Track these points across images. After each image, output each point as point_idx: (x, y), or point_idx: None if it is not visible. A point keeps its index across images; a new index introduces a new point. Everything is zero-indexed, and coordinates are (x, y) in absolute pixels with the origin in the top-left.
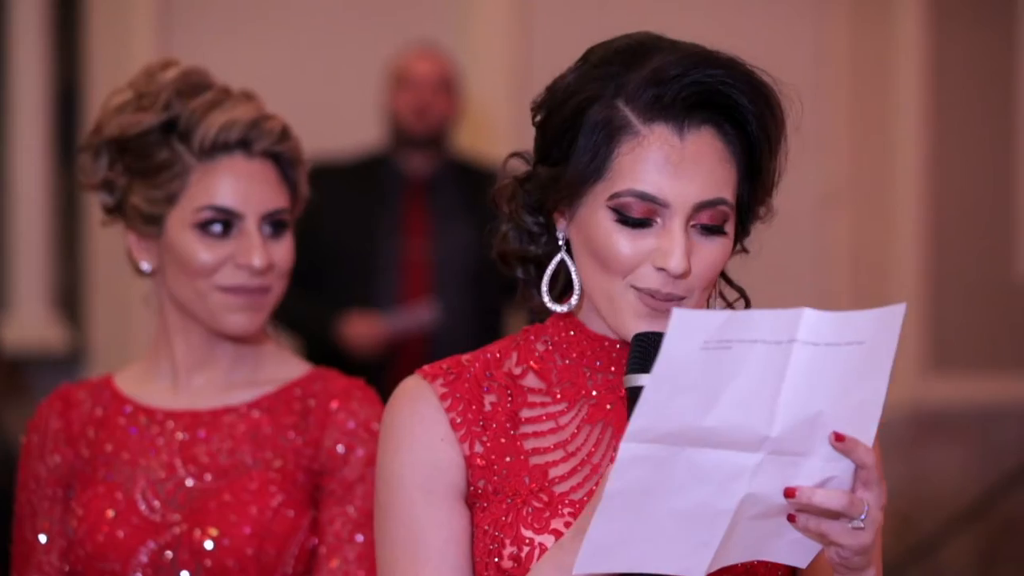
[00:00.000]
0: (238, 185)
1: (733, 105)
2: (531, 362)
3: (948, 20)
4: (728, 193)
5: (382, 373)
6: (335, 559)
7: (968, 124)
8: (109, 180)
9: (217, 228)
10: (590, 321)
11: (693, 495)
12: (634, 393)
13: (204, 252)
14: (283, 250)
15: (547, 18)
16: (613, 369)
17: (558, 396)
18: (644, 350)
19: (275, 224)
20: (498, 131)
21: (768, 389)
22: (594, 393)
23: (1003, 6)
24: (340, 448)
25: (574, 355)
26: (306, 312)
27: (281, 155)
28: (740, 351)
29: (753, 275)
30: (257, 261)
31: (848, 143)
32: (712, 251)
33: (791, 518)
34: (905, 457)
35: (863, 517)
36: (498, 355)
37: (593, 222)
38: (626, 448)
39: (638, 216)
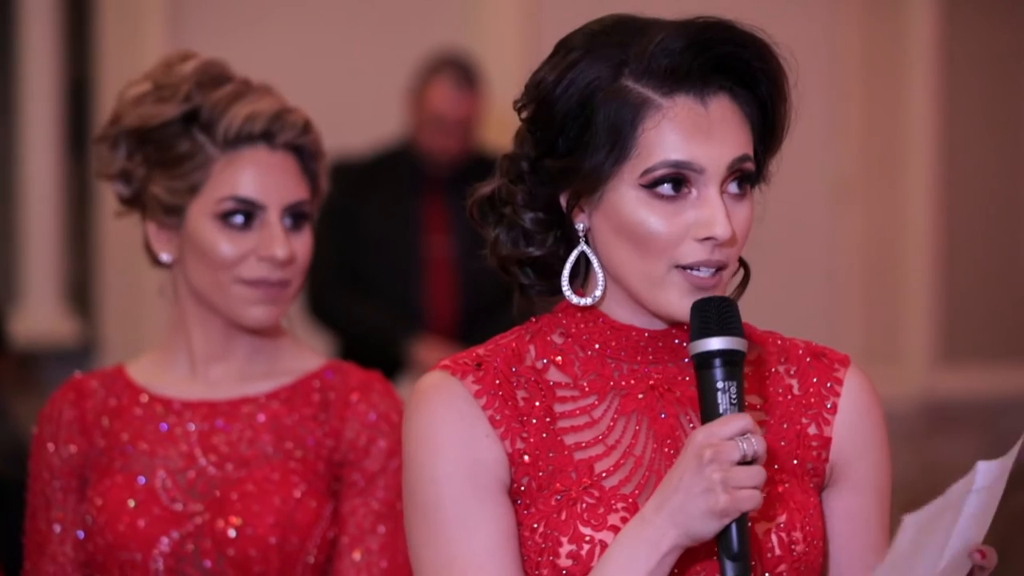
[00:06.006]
0: (261, 176)
1: (744, 69)
2: (552, 356)
3: (960, 12)
4: (750, 150)
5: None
6: (357, 550)
7: (980, 116)
8: (127, 170)
9: (239, 219)
10: (614, 311)
11: None
12: (701, 359)
13: (226, 244)
14: (303, 243)
15: (560, 13)
16: (639, 359)
17: (586, 389)
18: (706, 315)
19: (296, 216)
20: (510, 126)
21: (944, 537)
22: (623, 384)
23: None
24: (362, 440)
25: (596, 346)
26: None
27: (303, 148)
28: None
29: (767, 266)
30: (280, 252)
31: (861, 135)
32: (744, 214)
33: None
34: (916, 448)
35: None
36: (515, 347)
37: (625, 205)
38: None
39: (674, 188)
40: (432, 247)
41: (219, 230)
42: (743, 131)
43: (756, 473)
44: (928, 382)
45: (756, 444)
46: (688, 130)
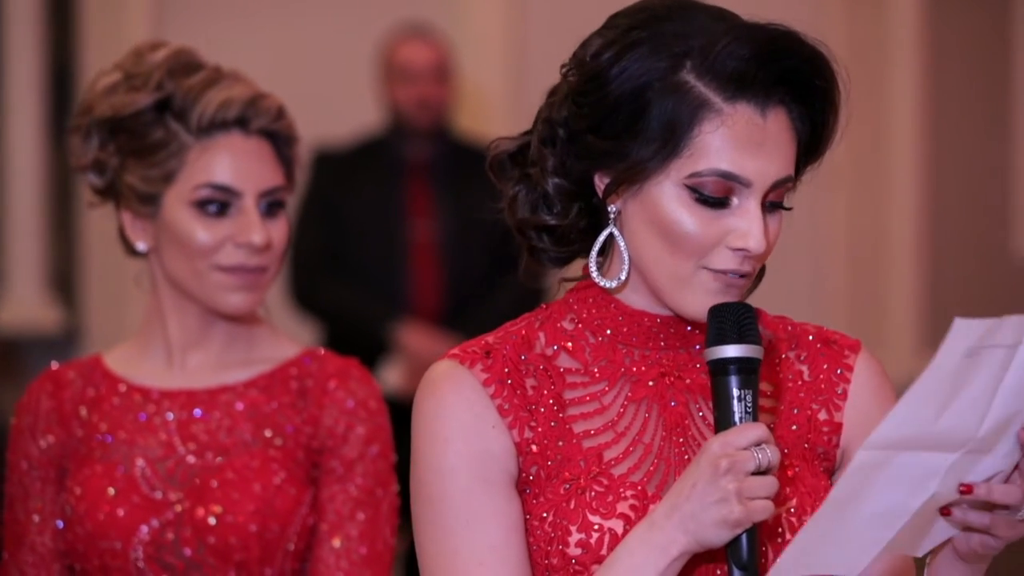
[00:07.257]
0: (236, 163)
1: (805, 84)
2: (563, 342)
3: (944, 1)
4: (793, 170)
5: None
6: (337, 537)
7: (964, 104)
8: (100, 161)
9: (215, 207)
10: (628, 297)
11: (888, 497)
12: (716, 366)
13: (202, 232)
14: (279, 229)
15: (544, 6)
16: (650, 345)
17: (596, 375)
18: (722, 321)
19: (271, 203)
20: (494, 112)
21: (989, 391)
22: (634, 370)
23: None
24: (340, 427)
25: (608, 332)
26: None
27: (277, 133)
28: (983, 356)
29: None
30: (257, 238)
31: (845, 124)
32: (775, 227)
33: (945, 512)
34: None
35: None
36: (524, 334)
37: (665, 201)
38: (862, 455)
39: (717, 195)
40: (416, 232)
41: (195, 217)
42: (791, 149)
43: (770, 483)
44: (912, 369)
45: (771, 454)
46: (743, 142)
